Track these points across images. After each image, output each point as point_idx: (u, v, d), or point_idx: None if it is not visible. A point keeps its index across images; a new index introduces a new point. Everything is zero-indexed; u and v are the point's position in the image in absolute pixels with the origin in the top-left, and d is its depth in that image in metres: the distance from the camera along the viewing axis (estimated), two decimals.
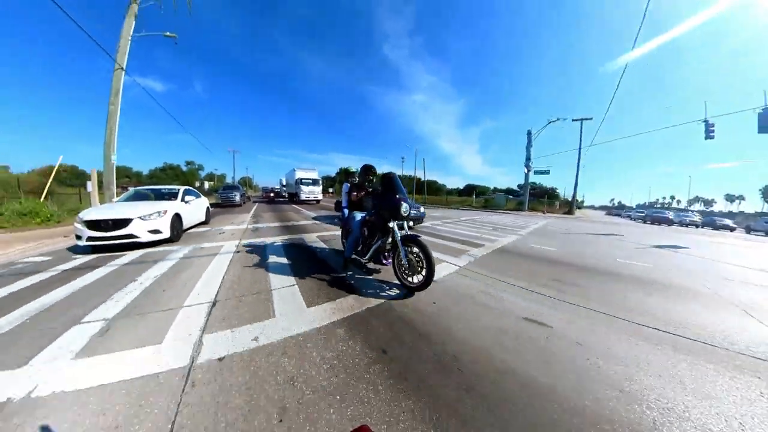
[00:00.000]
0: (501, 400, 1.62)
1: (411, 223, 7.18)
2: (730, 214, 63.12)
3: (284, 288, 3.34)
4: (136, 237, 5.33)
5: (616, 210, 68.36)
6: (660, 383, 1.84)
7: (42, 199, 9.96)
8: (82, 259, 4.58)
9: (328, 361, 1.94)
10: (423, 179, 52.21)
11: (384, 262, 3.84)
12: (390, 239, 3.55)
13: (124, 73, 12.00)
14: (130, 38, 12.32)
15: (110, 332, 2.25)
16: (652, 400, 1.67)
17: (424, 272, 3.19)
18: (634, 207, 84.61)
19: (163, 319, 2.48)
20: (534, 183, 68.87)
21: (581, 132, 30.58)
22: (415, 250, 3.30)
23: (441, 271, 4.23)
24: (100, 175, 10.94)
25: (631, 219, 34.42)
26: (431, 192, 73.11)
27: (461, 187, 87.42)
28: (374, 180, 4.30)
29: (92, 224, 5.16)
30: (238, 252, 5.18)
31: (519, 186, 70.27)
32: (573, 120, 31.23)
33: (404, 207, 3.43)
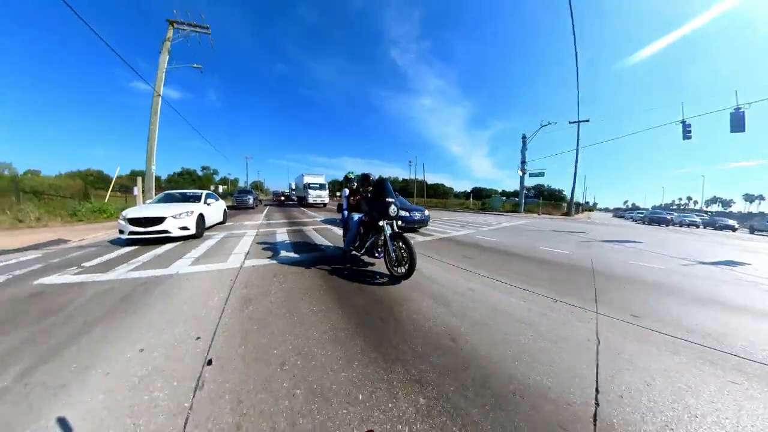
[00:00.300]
0: (371, 292, 3.83)
1: (402, 226, 7.39)
2: (749, 215, 62.00)
3: (287, 253, 5.75)
4: (169, 232, 6.35)
5: (620, 212, 68.34)
6: (451, 294, 3.58)
7: (106, 200, 12.85)
8: None
9: (299, 265, 4.44)
10: (423, 183, 54.07)
11: (377, 255, 4.32)
12: (382, 236, 4.06)
13: (160, 98, 14.92)
14: (165, 70, 15.27)
15: (199, 260, 4.80)
16: (439, 296, 3.36)
17: (407, 264, 3.74)
18: (650, 209, 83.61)
19: (224, 257, 5.06)
20: (542, 185, 69.70)
21: (578, 135, 31.72)
22: (402, 245, 3.83)
23: None
24: (126, 179, 13.78)
25: (632, 220, 35.13)
26: (438, 195, 75.10)
27: (468, 190, 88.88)
28: (371, 186, 4.69)
29: (134, 221, 6.15)
30: (258, 236, 7.67)
31: (527, 188, 71.64)
32: (570, 122, 32.32)
33: (392, 209, 3.95)
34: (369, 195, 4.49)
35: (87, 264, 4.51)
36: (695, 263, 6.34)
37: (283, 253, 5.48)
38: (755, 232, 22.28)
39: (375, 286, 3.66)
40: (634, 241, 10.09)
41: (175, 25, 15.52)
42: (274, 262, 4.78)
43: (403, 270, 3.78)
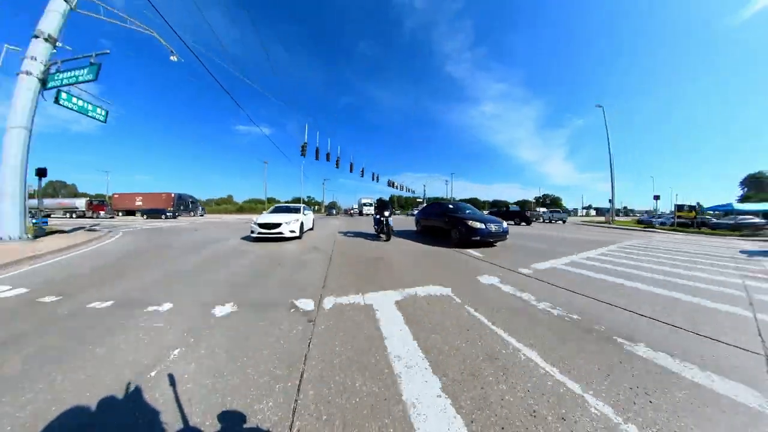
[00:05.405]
0: (375, 242, 9.97)
1: (478, 239, 8.18)
2: None
3: (350, 230, 12.55)
4: (282, 234, 8.30)
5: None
6: (369, 251, 9.80)
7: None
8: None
9: (354, 234, 11.05)
10: (451, 197, 55.76)
11: (384, 231, 9.13)
12: (384, 223, 9.01)
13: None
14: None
15: (316, 229, 12.21)
16: (370, 258, 8.36)
17: (388, 236, 8.88)
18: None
19: (330, 229, 12.80)
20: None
21: (450, 189, 50.47)
22: (388, 228, 8.94)
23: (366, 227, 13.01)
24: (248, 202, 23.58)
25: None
26: (477, 207, 76.87)
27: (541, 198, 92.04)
28: (379, 203, 10.24)
29: (261, 225, 8.25)
30: (341, 226, 14.98)
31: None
32: (445, 181, 51.43)
33: (386, 212, 9.09)
34: (379, 206, 10.04)
35: None
36: None
37: (348, 231, 12.35)
38: None
39: (377, 241, 9.28)
40: None
41: None
42: (345, 233, 11.40)
43: (388, 238, 9.01)
